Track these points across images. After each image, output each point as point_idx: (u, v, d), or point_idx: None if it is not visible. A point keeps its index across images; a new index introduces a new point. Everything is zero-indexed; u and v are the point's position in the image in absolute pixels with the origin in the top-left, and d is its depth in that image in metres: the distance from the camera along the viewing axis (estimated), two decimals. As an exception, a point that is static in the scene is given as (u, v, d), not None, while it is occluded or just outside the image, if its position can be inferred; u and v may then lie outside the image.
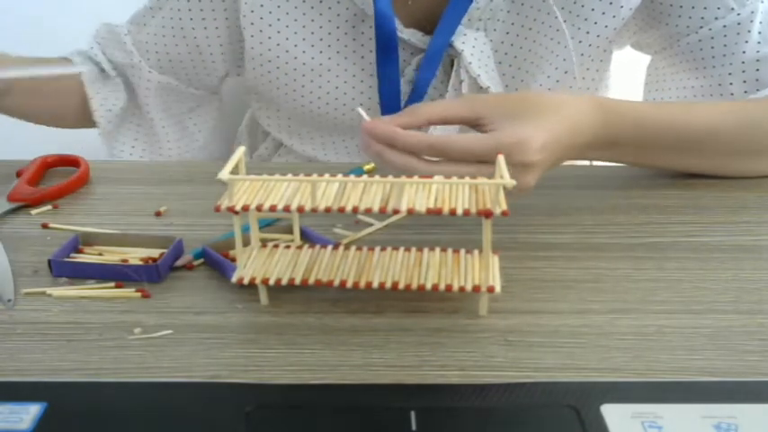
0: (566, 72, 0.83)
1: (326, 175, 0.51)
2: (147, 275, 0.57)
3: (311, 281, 0.53)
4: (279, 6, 0.82)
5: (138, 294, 0.55)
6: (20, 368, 0.48)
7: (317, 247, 0.57)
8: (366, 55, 0.83)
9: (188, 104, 0.95)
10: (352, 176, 0.52)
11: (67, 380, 0.46)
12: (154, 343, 0.50)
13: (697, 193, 0.71)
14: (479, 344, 0.50)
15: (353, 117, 0.87)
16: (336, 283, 0.53)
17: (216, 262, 0.58)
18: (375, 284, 0.52)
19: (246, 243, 0.56)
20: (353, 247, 0.57)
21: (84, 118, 0.90)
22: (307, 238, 0.61)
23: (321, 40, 0.83)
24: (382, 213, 0.50)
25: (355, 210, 0.50)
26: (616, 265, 0.59)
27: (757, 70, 0.76)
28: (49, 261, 0.58)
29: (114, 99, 0.91)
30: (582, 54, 0.82)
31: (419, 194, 0.51)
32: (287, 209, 0.50)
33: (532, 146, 0.59)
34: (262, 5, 0.82)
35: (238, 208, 0.50)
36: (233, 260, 0.58)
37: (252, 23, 0.83)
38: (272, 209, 0.50)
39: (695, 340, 0.50)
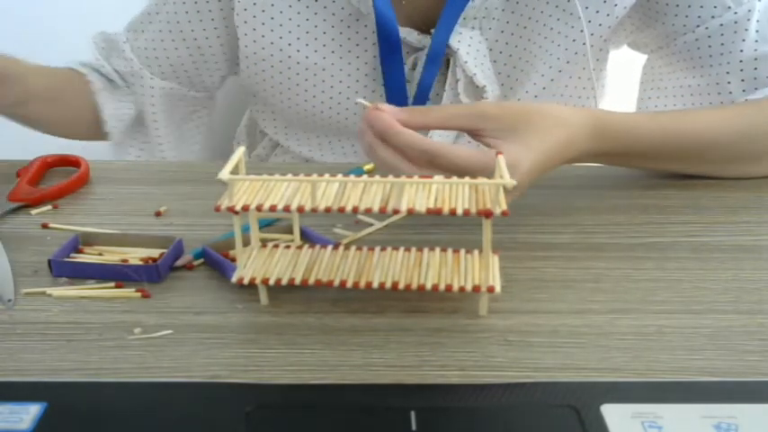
0: (560, 71, 0.83)
1: (326, 175, 0.51)
2: (147, 275, 0.57)
3: (311, 281, 0.53)
4: (272, 5, 0.82)
5: (138, 294, 0.55)
6: (20, 368, 0.48)
7: (317, 247, 0.57)
8: (361, 54, 0.83)
9: (188, 108, 0.95)
10: (352, 176, 0.52)
11: (67, 380, 0.46)
12: (154, 343, 0.50)
13: (697, 193, 0.71)
14: (479, 344, 0.50)
15: (348, 117, 0.87)
16: (336, 283, 0.53)
17: (216, 262, 0.58)
18: (375, 284, 0.52)
19: (246, 243, 0.56)
20: (353, 247, 0.57)
21: (96, 128, 0.90)
22: (307, 238, 0.61)
23: (316, 39, 0.83)
24: (382, 213, 0.50)
25: (355, 210, 0.50)
26: (616, 265, 0.59)
27: (755, 69, 0.76)
28: (49, 261, 0.58)
29: (126, 109, 0.91)
30: (576, 53, 0.82)
31: (419, 194, 0.51)
32: (287, 209, 0.50)
33: (519, 170, 0.59)
34: (254, 3, 0.82)
35: (238, 208, 0.50)
36: (233, 260, 0.58)
37: (245, 22, 0.83)
38: (272, 209, 0.50)
39: (695, 340, 0.50)
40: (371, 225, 0.65)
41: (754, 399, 0.44)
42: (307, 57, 0.83)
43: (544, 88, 0.84)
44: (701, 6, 0.77)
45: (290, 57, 0.83)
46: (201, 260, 0.59)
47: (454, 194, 0.51)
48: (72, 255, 0.60)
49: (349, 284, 0.52)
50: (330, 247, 0.57)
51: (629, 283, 0.57)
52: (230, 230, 0.59)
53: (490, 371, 0.47)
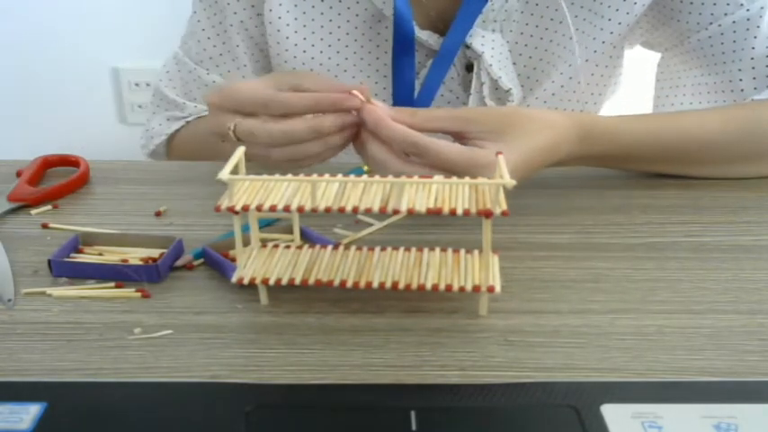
0: (578, 70, 0.83)
1: (326, 175, 0.51)
2: (147, 275, 0.57)
3: (311, 281, 0.53)
4: (296, 6, 0.82)
5: (138, 294, 0.55)
6: (20, 368, 0.48)
7: (317, 247, 0.57)
8: (381, 56, 0.84)
9: None
10: (352, 176, 0.52)
11: (67, 380, 0.46)
12: (154, 343, 0.50)
13: (697, 193, 0.71)
14: (479, 344, 0.50)
15: None
16: (336, 283, 0.53)
17: (216, 262, 0.58)
18: (375, 284, 0.52)
19: (246, 243, 0.56)
20: (353, 247, 0.57)
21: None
22: (307, 238, 0.61)
23: (339, 40, 0.83)
24: (382, 213, 0.50)
25: (355, 210, 0.50)
26: (616, 265, 0.59)
27: (767, 66, 0.77)
28: (49, 261, 0.58)
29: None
30: (595, 51, 0.82)
31: (419, 194, 0.51)
32: (287, 209, 0.50)
33: (509, 166, 0.59)
34: (280, 4, 0.82)
35: (238, 208, 0.50)
36: (233, 260, 0.58)
37: (270, 22, 0.83)
38: (272, 209, 0.50)
39: (695, 340, 0.50)
40: (371, 225, 0.65)
41: (754, 399, 0.44)
42: (329, 57, 0.83)
43: (562, 86, 0.85)
44: (714, 4, 0.77)
45: (312, 58, 0.84)
46: (201, 260, 0.59)
47: (454, 194, 0.51)
48: (72, 255, 0.60)
49: (349, 284, 0.52)
50: (330, 247, 0.57)
51: (629, 283, 0.57)
52: (230, 230, 0.59)
53: (490, 371, 0.47)
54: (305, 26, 0.83)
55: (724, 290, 0.55)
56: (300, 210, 0.50)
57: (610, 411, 0.42)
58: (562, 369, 0.47)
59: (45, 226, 0.66)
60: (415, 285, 0.52)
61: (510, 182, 0.49)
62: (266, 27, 0.84)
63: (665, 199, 0.70)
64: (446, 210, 0.49)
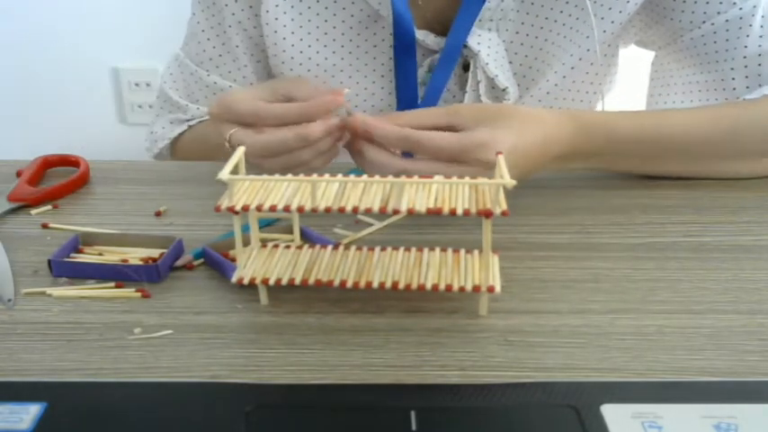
0: (573, 68, 0.84)
1: (326, 175, 0.51)
2: (147, 275, 0.57)
3: (311, 281, 0.53)
4: (293, 6, 0.82)
5: (138, 294, 0.55)
6: (20, 368, 0.48)
7: (317, 247, 0.57)
8: (378, 56, 0.84)
9: None
10: (352, 176, 0.52)
11: (67, 380, 0.46)
12: (154, 343, 0.50)
13: (697, 193, 0.71)
14: (479, 344, 0.50)
15: None
16: (336, 283, 0.53)
17: (216, 262, 0.58)
18: (375, 284, 0.52)
19: (246, 243, 0.56)
20: (353, 247, 0.57)
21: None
22: (307, 238, 0.61)
23: (334, 40, 0.83)
24: (382, 213, 0.50)
25: (355, 210, 0.50)
26: (616, 265, 0.59)
27: (759, 65, 0.77)
28: (49, 261, 0.58)
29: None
30: (589, 50, 0.82)
31: (419, 194, 0.51)
32: (287, 209, 0.50)
33: (498, 147, 0.60)
34: (277, 5, 0.82)
35: (238, 208, 0.50)
36: (233, 260, 0.58)
37: (267, 23, 0.83)
38: (272, 209, 0.50)
39: (695, 340, 0.50)
40: (371, 225, 0.65)
41: (754, 399, 0.44)
42: (326, 58, 0.84)
43: (556, 85, 0.85)
44: (707, 3, 0.78)
45: (309, 59, 0.84)
46: (201, 260, 0.59)
47: (454, 194, 0.51)
48: (72, 255, 0.60)
49: (349, 284, 0.52)
50: (330, 247, 0.57)
51: (629, 283, 0.57)
52: (230, 230, 0.59)
53: (490, 371, 0.47)
54: (301, 27, 0.83)
55: (724, 290, 0.55)
56: (300, 210, 0.50)
57: (610, 411, 0.42)
58: (562, 369, 0.47)
59: (45, 226, 0.66)
60: (415, 285, 0.52)
61: (510, 182, 0.49)
62: (263, 28, 0.84)
63: (665, 199, 0.70)
64: (446, 210, 0.49)
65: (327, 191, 0.51)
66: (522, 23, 0.82)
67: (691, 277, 0.57)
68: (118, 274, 0.57)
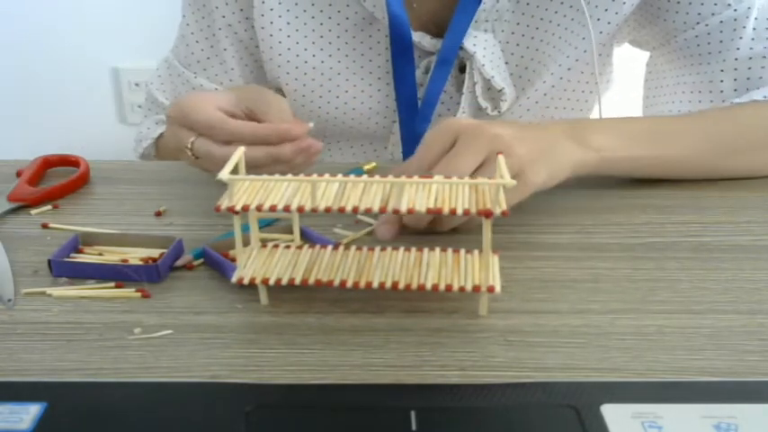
0: (569, 69, 0.84)
1: (326, 175, 0.51)
2: (147, 275, 0.57)
3: (311, 281, 0.53)
4: (288, 10, 0.82)
5: (138, 294, 0.55)
6: (20, 368, 0.48)
7: (317, 247, 0.57)
8: (374, 58, 0.84)
9: None
10: (352, 176, 0.52)
11: (67, 380, 0.46)
12: (154, 343, 0.50)
13: (697, 193, 0.71)
14: (479, 344, 0.50)
15: (362, 122, 0.87)
16: (336, 283, 0.53)
17: (216, 262, 0.58)
18: (375, 284, 0.52)
19: (246, 243, 0.56)
20: (353, 247, 0.57)
21: None
22: (307, 238, 0.61)
23: (330, 43, 0.83)
24: (382, 213, 0.50)
25: (355, 210, 0.50)
26: (616, 265, 0.59)
27: (749, 68, 0.76)
28: (49, 261, 0.58)
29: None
30: (585, 51, 0.82)
31: (419, 194, 0.51)
32: (287, 209, 0.50)
33: (492, 125, 0.61)
34: (272, 9, 0.82)
35: (238, 208, 0.50)
36: (233, 260, 0.58)
37: (262, 27, 0.83)
38: (272, 209, 0.50)
39: (695, 340, 0.50)
40: (371, 225, 0.65)
41: (754, 399, 0.44)
42: (322, 61, 0.84)
43: (553, 86, 0.85)
44: (702, 4, 0.77)
45: (306, 62, 0.84)
46: (201, 260, 0.59)
47: (454, 194, 0.51)
48: (72, 255, 0.60)
49: (349, 284, 0.52)
50: (330, 247, 0.57)
51: (629, 283, 0.57)
52: (230, 230, 0.59)
53: (490, 371, 0.47)
54: (297, 30, 0.83)
55: (724, 290, 0.55)
56: (300, 210, 0.50)
57: (610, 411, 0.42)
58: (562, 369, 0.47)
59: (45, 226, 0.66)
60: (415, 285, 0.52)
61: (510, 181, 0.49)
62: (258, 32, 0.84)
63: (665, 199, 0.70)
64: (446, 210, 0.49)
65: (327, 191, 0.51)
66: (518, 24, 0.82)
67: (691, 277, 0.57)
68: (118, 274, 0.57)
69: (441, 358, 0.48)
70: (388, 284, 0.52)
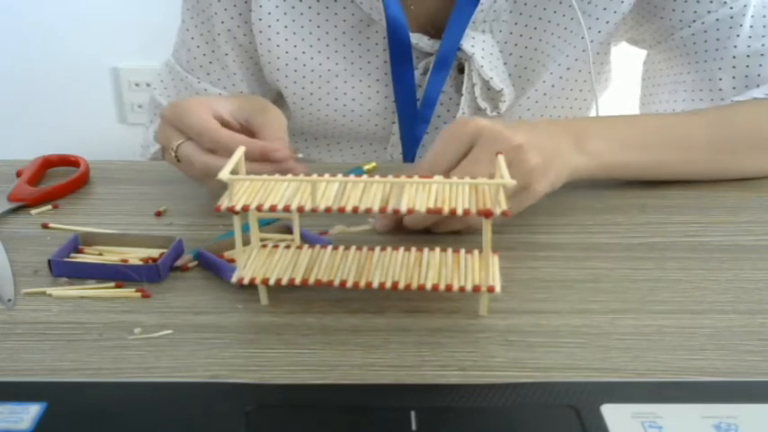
0: (568, 68, 0.84)
1: (326, 175, 0.51)
2: (148, 275, 0.57)
3: (311, 281, 0.53)
4: (285, 13, 0.82)
5: (138, 294, 0.55)
6: (20, 368, 0.48)
7: (317, 247, 0.57)
8: (373, 60, 0.84)
9: None
10: (352, 176, 0.52)
11: (67, 380, 0.46)
12: (154, 343, 0.50)
13: (697, 193, 0.71)
14: (479, 344, 0.50)
15: (361, 123, 0.87)
16: (336, 283, 0.53)
17: (211, 264, 0.58)
18: (375, 284, 0.52)
19: (246, 243, 0.56)
20: (353, 247, 0.57)
21: None
22: (304, 240, 0.61)
23: (328, 45, 0.83)
24: (382, 213, 0.50)
25: (355, 210, 0.49)
26: (616, 265, 0.59)
27: (747, 66, 0.76)
28: (49, 261, 0.58)
29: None
30: (584, 50, 0.82)
31: (419, 194, 0.51)
32: (287, 209, 0.50)
33: (496, 125, 0.61)
34: (270, 13, 0.82)
35: (238, 208, 0.50)
36: (229, 261, 0.58)
37: (260, 31, 0.83)
38: (272, 209, 0.50)
39: (695, 340, 0.50)
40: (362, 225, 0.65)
41: (754, 399, 0.44)
42: (320, 63, 0.84)
43: (553, 86, 0.85)
44: (698, 1, 0.77)
45: (304, 65, 0.84)
46: (196, 262, 0.59)
47: (454, 194, 0.51)
48: (72, 255, 0.60)
49: (349, 284, 0.52)
50: (330, 248, 0.57)
51: (630, 283, 0.57)
52: (230, 230, 0.59)
53: (490, 371, 0.47)
54: (295, 33, 0.82)
55: (724, 290, 0.55)
56: (300, 210, 0.50)
57: (610, 411, 0.42)
58: (562, 369, 0.47)
59: (45, 226, 0.66)
60: (415, 285, 0.52)
61: (510, 181, 0.49)
62: (255, 36, 0.84)
63: (665, 199, 0.70)
64: (446, 210, 0.49)
65: (327, 191, 0.51)
66: (516, 24, 0.82)
67: (691, 277, 0.57)
68: (118, 274, 0.57)
69: (441, 358, 0.48)
70: (388, 284, 0.52)
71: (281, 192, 0.52)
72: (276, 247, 0.57)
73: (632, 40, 0.88)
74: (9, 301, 0.55)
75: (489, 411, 0.43)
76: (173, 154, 0.67)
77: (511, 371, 0.47)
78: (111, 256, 0.60)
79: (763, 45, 0.76)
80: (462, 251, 0.56)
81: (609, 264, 0.59)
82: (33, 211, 0.69)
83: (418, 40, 0.82)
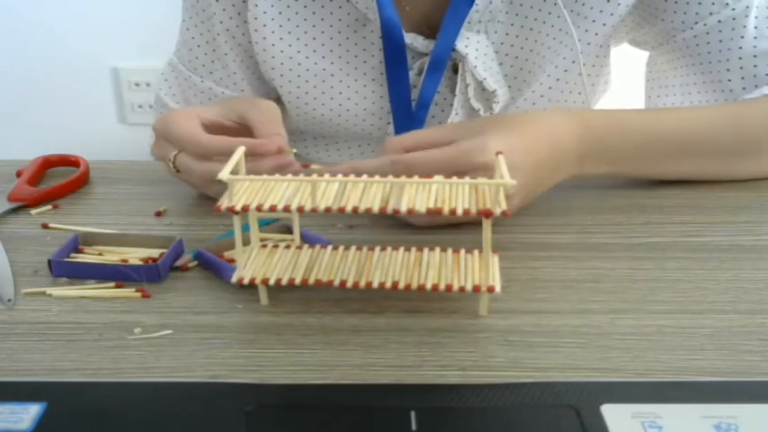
0: (566, 70, 0.83)
1: (326, 175, 0.51)
2: (148, 275, 0.57)
3: (311, 281, 0.53)
4: (280, 12, 0.82)
5: (138, 294, 0.55)
6: (20, 368, 0.48)
7: (317, 247, 0.57)
8: (368, 59, 0.83)
9: None
10: (352, 176, 0.52)
11: (67, 380, 0.46)
12: (154, 343, 0.50)
13: (697, 193, 0.71)
14: (479, 344, 0.50)
15: (357, 123, 0.87)
16: (336, 283, 0.53)
17: (211, 264, 0.58)
18: (375, 284, 0.52)
19: (246, 243, 0.56)
20: (353, 247, 0.57)
21: None
22: (305, 240, 0.61)
23: (323, 45, 0.83)
24: (382, 213, 0.50)
25: (355, 210, 0.50)
26: (616, 265, 0.59)
27: (755, 66, 0.76)
28: (49, 261, 0.58)
29: None
30: (581, 52, 0.82)
31: (419, 194, 0.51)
32: (287, 209, 0.50)
33: (492, 146, 0.60)
34: (265, 12, 0.82)
35: (238, 208, 0.50)
36: (229, 261, 0.58)
37: (255, 30, 0.83)
38: (272, 209, 0.50)
39: (695, 340, 0.50)
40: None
41: (754, 399, 0.44)
42: (315, 63, 0.83)
43: (550, 88, 0.84)
44: (700, 3, 0.77)
45: (299, 64, 0.84)
46: (196, 262, 0.59)
47: (454, 194, 0.51)
48: (72, 255, 0.60)
49: (349, 284, 0.52)
50: (330, 248, 0.57)
51: (630, 283, 0.57)
52: (230, 230, 0.59)
53: (490, 371, 0.47)
54: (290, 32, 0.82)
55: (724, 290, 0.55)
56: (300, 210, 0.50)
57: (610, 411, 0.42)
58: (562, 369, 0.47)
59: (45, 226, 0.66)
60: (415, 285, 0.52)
61: (510, 182, 0.49)
62: (252, 35, 0.84)
63: (665, 199, 0.70)
64: (446, 210, 0.49)
65: (327, 191, 0.51)
66: (512, 25, 0.82)
67: (691, 277, 0.57)
68: (118, 274, 0.57)
69: (441, 358, 0.48)
70: (388, 284, 0.52)
71: (281, 192, 0.52)
72: (276, 247, 0.57)
73: (634, 42, 0.88)
74: (9, 301, 0.55)
75: (489, 411, 0.43)
76: (171, 165, 0.68)
77: (511, 371, 0.47)
78: (111, 256, 0.60)
79: None
80: (462, 251, 0.56)
81: (609, 264, 0.59)
82: (33, 211, 0.69)
83: (413, 41, 0.82)
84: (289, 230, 0.62)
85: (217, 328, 0.52)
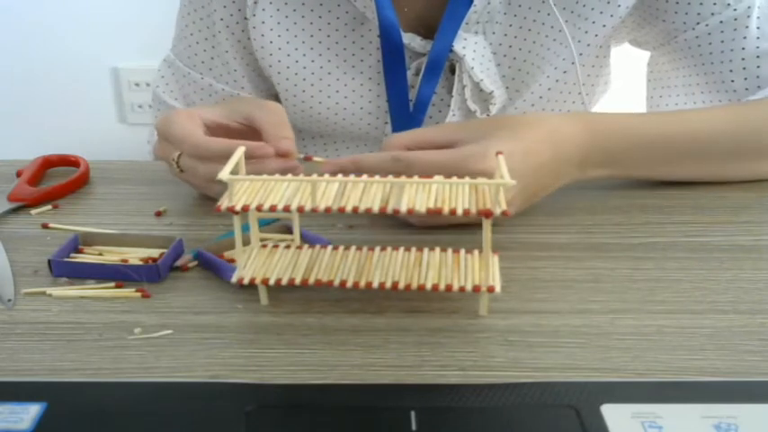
0: (565, 72, 0.83)
1: (326, 175, 0.51)
2: (148, 275, 0.57)
3: (311, 281, 0.53)
4: (278, 10, 0.82)
5: (138, 294, 0.55)
6: (20, 368, 0.48)
7: (317, 247, 0.57)
8: (366, 59, 0.83)
9: None
10: (352, 176, 0.52)
11: (67, 380, 0.46)
12: (154, 343, 0.50)
13: (697, 193, 0.71)
14: (479, 344, 0.50)
15: (354, 122, 0.87)
16: (336, 283, 0.53)
17: (211, 264, 0.58)
18: (375, 284, 0.52)
19: (246, 243, 0.56)
20: (353, 247, 0.57)
21: None
22: (305, 240, 0.61)
23: (320, 43, 0.83)
24: (382, 213, 0.50)
25: (355, 210, 0.50)
26: (616, 265, 0.59)
27: (758, 67, 0.76)
28: (49, 261, 0.58)
29: None
30: (581, 54, 0.82)
31: (419, 194, 0.51)
32: (287, 209, 0.50)
33: (494, 153, 0.59)
34: (264, 9, 0.82)
35: (238, 208, 0.50)
36: (229, 261, 0.58)
37: (254, 27, 0.83)
38: (272, 209, 0.50)
39: (695, 340, 0.50)
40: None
41: (754, 399, 0.44)
42: (312, 61, 0.83)
43: (549, 89, 0.84)
44: (701, 4, 0.77)
45: (297, 62, 0.84)
46: (196, 262, 0.59)
47: (454, 194, 0.51)
48: (72, 255, 0.60)
49: (349, 284, 0.52)
50: (330, 248, 0.57)
51: (630, 283, 0.57)
52: (230, 230, 0.59)
53: (490, 371, 0.47)
54: (287, 30, 0.82)
55: (724, 290, 0.55)
56: (300, 210, 0.50)
57: (610, 411, 0.42)
58: (562, 369, 0.47)
59: (45, 226, 0.66)
60: (415, 285, 0.52)
61: (510, 182, 0.49)
62: (250, 32, 0.84)
63: (665, 199, 0.70)
64: (446, 210, 0.49)
65: (327, 191, 0.51)
66: (510, 26, 0.81)
67: (691, 277, 0.57)
68: (118, 274, 0.57)
69: (441, 358, 0.48)
70: (388, 284, 0.52)
71: (281, 192, 0.52)
72: (276, 247, 0.57)
73: (635, 42, 0.88)
74: (9, 301, 0.55)
75: (489, 411, 0.43)
76: (174, 166, 0.68)
77: (511, 371, 0.47)
78: (111, 256, 0.60)
79: None
80: (462, 251, 0.56)
81: (609, 264, 0.59)
82: (33, 211, 0.69)
83: (410, 41, 0.82)
84: (289, 230, 0.62)
85: (217, 328, 0.52)
